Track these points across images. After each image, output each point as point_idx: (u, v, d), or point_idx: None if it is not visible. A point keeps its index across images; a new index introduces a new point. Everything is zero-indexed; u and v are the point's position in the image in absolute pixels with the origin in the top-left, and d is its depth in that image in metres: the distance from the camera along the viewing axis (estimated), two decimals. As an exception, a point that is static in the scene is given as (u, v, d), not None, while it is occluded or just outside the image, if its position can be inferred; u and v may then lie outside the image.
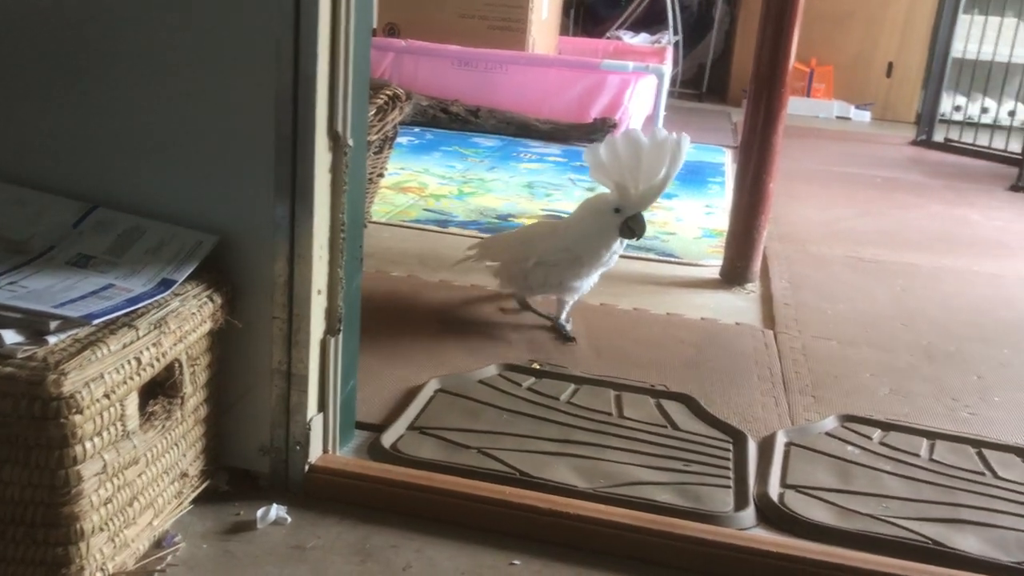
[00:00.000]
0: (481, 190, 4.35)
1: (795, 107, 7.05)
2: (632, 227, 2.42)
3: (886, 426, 2.24)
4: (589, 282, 2.60)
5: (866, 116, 8.28)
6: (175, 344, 1.54)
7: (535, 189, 4.43)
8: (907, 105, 8.35)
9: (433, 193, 4.22)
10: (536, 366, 2.41)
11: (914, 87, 8.20)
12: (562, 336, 2.61)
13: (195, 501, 1.72)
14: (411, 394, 2.20)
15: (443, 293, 2.94)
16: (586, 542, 1.70)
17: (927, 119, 7.14)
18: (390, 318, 2.68)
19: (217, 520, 1.70)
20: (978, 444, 2.19)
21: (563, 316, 2.65)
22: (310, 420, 1.79)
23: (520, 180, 4.59)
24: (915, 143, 7.12)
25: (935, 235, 4.29)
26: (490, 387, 2.27)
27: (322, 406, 1.83)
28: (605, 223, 2.44)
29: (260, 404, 1.78)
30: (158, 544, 1.61)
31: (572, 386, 2.29)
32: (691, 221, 4.03)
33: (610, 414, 2.17)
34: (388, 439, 1.97)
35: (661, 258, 3.47)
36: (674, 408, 2.22)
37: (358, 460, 1.89)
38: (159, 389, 1.59)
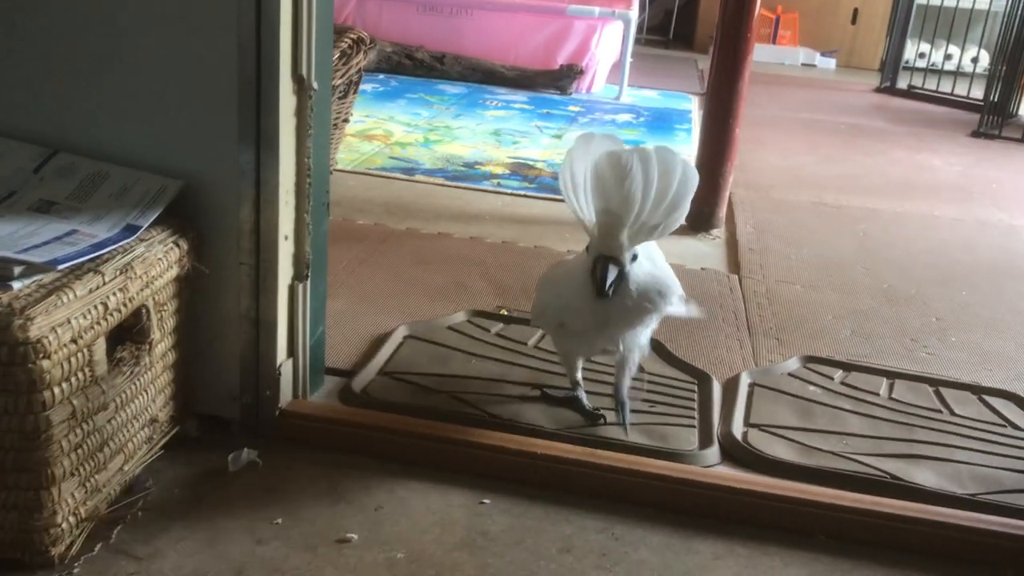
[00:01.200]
0: (447, 138, 4.32)
1: (761, 54, 7.06)
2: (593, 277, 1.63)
3: (847, 366, 2.29)
4: (625, 342, 1.80)
5: (831, 63, 8.30)
6: (141, 290, 1.53)
7: (502, 136, 4.42)
8: (872, 52, 8.38)
9: (399, 141, 4.19)
10: (504, 312, 2.42)
11: (879, 34, 8.22)
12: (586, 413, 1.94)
13: (166, 447, 1.72)
14: (380, 340, 2.20)
15: (410, 241, 2.94)
16: (555, 481, 1.73)
17: (891, 66, 7.18)
18: (358, 266, 2.67)
19: (188, 466, 1.71)
20: (935, 383, 2.25)
21: (622, 386, 1.93)
22: (279, 366, 1.80)
23: (487, 128, 4.57)
24: (879, 90, 7.17)
25: (897, 181, 4.34)
26: (459, 333, 2.28)
27: (291, 352, 1.84)
28: (579, 268, 1.69)
29: (229, 350, 1.78)
30: (129, 490, 1.62)
31: (539, 332, 2.31)
32: (657, 168, 4.04)
33: (577, 358, 2.19)
34: (358, 384, 1.98)
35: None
36: (653, 357, 2.25)
37: (329, 404, 1.90)
38: (127, 335, 1.58)
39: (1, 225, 1.52)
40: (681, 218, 1.63)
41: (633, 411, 1.93)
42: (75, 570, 1.42)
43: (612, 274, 1.59)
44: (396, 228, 3.05)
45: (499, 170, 3.85)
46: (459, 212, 3.31)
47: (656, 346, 2.28)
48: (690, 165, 1.62)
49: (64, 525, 1.43)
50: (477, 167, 3.87)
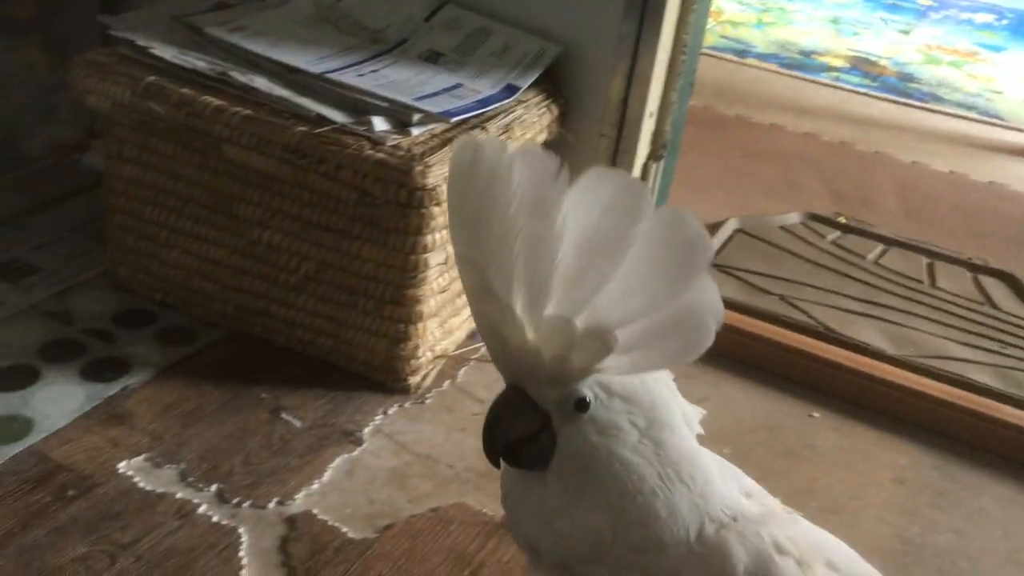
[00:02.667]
0: (782, 21, 4.07)
1: None
2: None
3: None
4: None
5: None
6: (515, 150, 1.57)
7: (841, 25, 4.10)
8: None
9: (730, 19, 4.00)
10: (842, 219, 2.29)
11: None
12: None
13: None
14: (710, 230, 2.15)
15: (740, 130, 2.83)
16: (890, 408, 1.64)
17: None
18: (686, 150, 2.61)
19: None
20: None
21: None
22: (621, 242, 1.80)
23: (825, 14, 4.25)
24: None
25: None
26: (792, 234, 2.19)
27: (634, 230, 1.84)
28: None
29: (576, 219, 1.81)
30: (472, 335, 1.71)
31: (880, 246, 2.17)
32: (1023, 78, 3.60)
33: (921, 282, 2.04)
34: (689, 271, 1.96)
35: (984, 118, 3.14)
36: (994, 286, 2.06)
37: (660, 287, 1.90)
38: (493, 192, 1.64)
39: (397, 70, 1.59)
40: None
41: (981, 348, 1.79)
42: (427, 400, 1.54)
43: (515, 428, 0.79)
44: (725, 113, 2.93)
45: (838, 63, 3.58)
46: (792, 103, 3.13)
47: (1012, 282, 2.08)
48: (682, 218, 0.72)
49: (423, 359, 1.55)
50: (814, 57, 3.63)
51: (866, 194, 2.45)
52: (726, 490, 0.82)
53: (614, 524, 0.78)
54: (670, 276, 0.71)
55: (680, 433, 0.80)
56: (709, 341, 0.72)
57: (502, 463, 0.81)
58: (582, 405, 0.76)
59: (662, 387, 0.80)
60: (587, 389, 0.76)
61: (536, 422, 0.77)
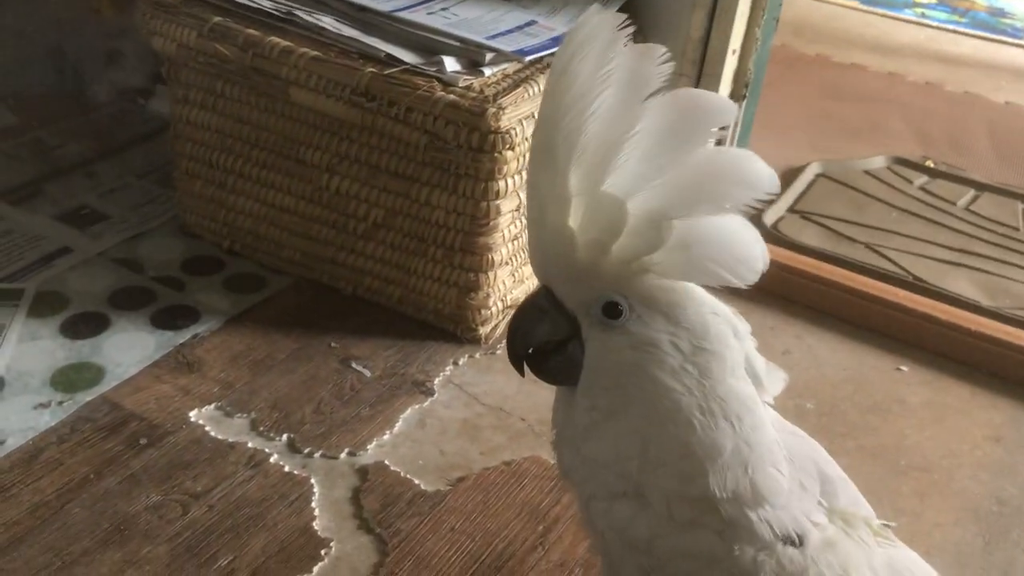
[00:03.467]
0: (862, -44, 3.87)
1: None
2: None
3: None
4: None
5: None
6: (590, 91, 1.50)
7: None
8: None
9: (808, -45, 3.82)
10: (930, 164, 2.17)
11: None
12: None
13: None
14: (791, 175, 2.06)
15: (820, 70, 2.70)
16: (984, 362, 1.56)
17: None
18: (764, 89, 2.50)
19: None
20: None
21: None
22: (698, 187, 1.73)
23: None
24: None
25: None
26: (877, 179, 2.08)
27: (712, 174, 1.76)
28: None
29: (651, 163, 1.74)
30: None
31: (971, 191, 2.05)
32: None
33: (1016, 228, 1.93)
34: (769, 218, 1.88)
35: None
36: (1095, 233, 1.94)
37: (738, 235, 1.82)
38: (566, 135, 1.58)
39: (467, 8, 1.53)
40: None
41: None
42: (498, 351, 1.50)
43: (539, 330, 0.75)
44: (804, 52, 2.80)
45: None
46: (875, 42, 2.98)
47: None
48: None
49: (493, 308, 1.50)
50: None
51: (955, 137, 2.32)
52: (794, 498, 0.72)
53: (642, 453, 0.71)
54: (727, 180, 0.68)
55: (737, 374, 0.71)
56: (758, 262, 0.69)
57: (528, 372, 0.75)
58: (612, 311, 0.70)
59: (723, 324, 0.72)
60: (620, 296, 0.69)
61: (563, 327, 0.72)
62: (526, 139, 1.35)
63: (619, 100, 0.67)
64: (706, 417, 0.70)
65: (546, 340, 0.73)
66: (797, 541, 0.72)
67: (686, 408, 0.70)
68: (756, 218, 1.86)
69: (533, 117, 1.35)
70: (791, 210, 1.92)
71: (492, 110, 1.29)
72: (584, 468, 0.75)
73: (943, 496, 1.32)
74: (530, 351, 0.75)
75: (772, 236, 1.81)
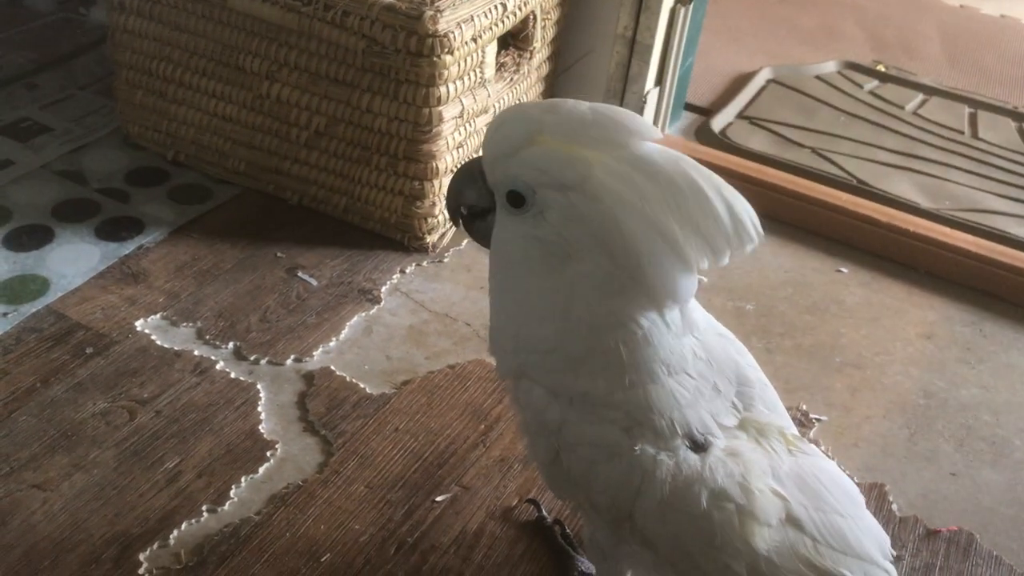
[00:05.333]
0: None
1: None
2: None
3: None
4: None
5: None
6: (533, -5, 1.49)
7: None
8: None
9: None
10: (881, 68, 2.18)
11: None
12: None
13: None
14: (741, 81, 2.07)
15: (778, -27, 2.67)
16: (923, 263, 1.60)
17: None
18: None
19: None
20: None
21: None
22: (646, 94, 1.73)
23: None
24: None
25: None
26: (827, 84, 2.09)
27: (659, 80, 1.76)
28: None
29: (598, 69, 1.73)
30: (492, 193, 1.67)
31: (920, 96, 2.07)
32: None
33: (962, 132, 1.95)
34: (717, 124, 1.88)
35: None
36: (1039, 136, 1.97)
37: (686, 142, 1.83)
38: (511, 41, 1.57)
39: (407, -91, 1.49)
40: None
41: (1023, 201, 1.72)
42: (445, 259, 1.52)
43: (467, 193, 0.80)
44: (762, -44, 2.77)
45: None
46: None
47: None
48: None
49: (440, 217, 1.51)
50: None
51: (908, 41, 2.32)
52: (703, 399, 0.77)
53: (515, 337, 0.78)
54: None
55: (630, 294, 0.73)
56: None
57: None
58: (516, 200, 0.74)
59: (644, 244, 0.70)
60: (529, 189, 0.73)
61: (485, 199, 0.78)
62: (465, 43, 1.34)
63: None
64: (570, 323, 0.75)
65: (472, 205, 0.80)
66: (702, 442, 0.76)
67: (552, 307, 0.75)
68: (704, 126, 1.88)
69: (472, 20, 1.34)
70: (740, 116, 1.93)
71: (430, 13, 1.28)
72: (491, 336, 0.83)
73: (874, 391, 1.37)
74: (463, 211, 0.81)
75: (720, 142, 1.83)
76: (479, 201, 0.79)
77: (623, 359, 0.75)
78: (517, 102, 1.59)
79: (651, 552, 0.81)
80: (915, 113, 2.00)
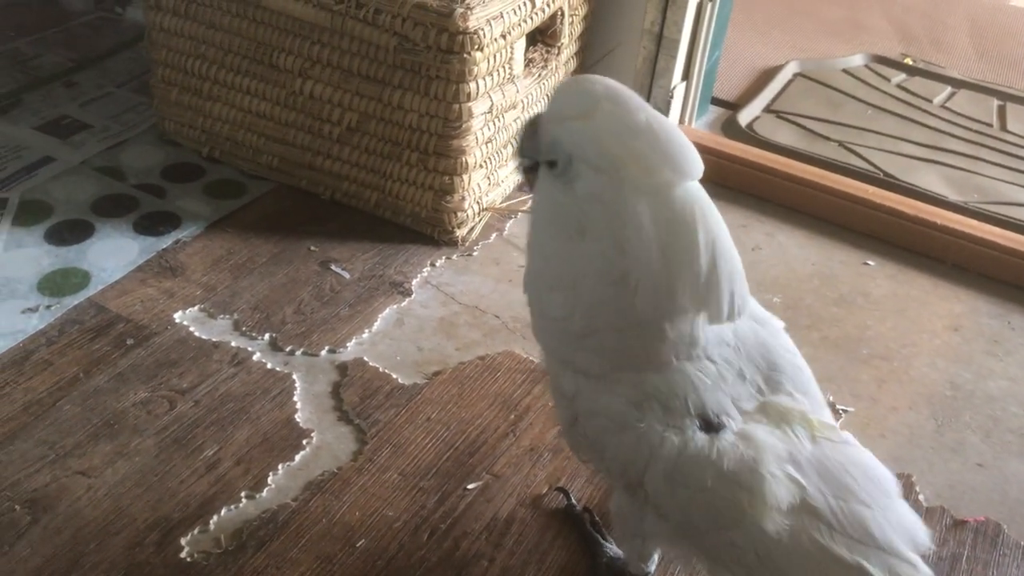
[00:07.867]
0: None
1: None
2: None
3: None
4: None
5: None
6: (561, -9, 1.51)
7: None
8: None
9: None
10: (909, 61, 2.18)
11: None
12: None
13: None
14: (768, 75, 2.07)
15: (805, -34, 2.67)
16: (949, 256, 1.60)
17: None
18: (746, -11, 2.48)
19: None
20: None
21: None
22: (673, 88, 1.74)
23: None
24: None
25: None
26: (854, 78, 2.09)
27: (686, 75, 1.77)
28: None
29: (626, 64, 1.75)
30: (520, 188, 1.69)
31: (948, 89, 2.06)
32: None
33: (990, 125, 1.95)
34: (744, 118, 1.89)
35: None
36: (1068, 128, 1.96)
37: (713, 135, 1.84)
38: (539, 37, 1.58)
39: (436, -92, 1.52)
40: None
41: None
42: (474, 252, 1.54)
43: (525, 145, 0.84)
44: (789, -50, 2.76)
45: None
46: (861, -61, 2.93)
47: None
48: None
49: (469, 211, 1.54)
50: None
51: (936, 34, 2.32)
52: (724, 383, 0.80)
53: (536, 300, 0.83)
54: None
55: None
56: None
57: None
58: (551, 162, 0.78)
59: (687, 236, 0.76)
60: (565, 154, 0.76)
61: (536, 152, 0.81)
62: (495, 40, 1.36)
63: None
64: (577, 297, 0.78)
65: (527, 156, 0.83)
66: (715, 423, 0.78)
67: (564, 276, 0.79)
68: (731, 119, 1.89)
69: (501, 17, 1.36)
70: (767, 110, 1.94)
71: (460, 10, 1.30)
72: (527, 296, 0.86)
73: (900, 383, 1.38)
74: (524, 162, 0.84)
75: (747, 136, 1.84)
76: (530, 154, 0.82)
77: (620, 344, 0.79)
78: (546, 98, 1.61)
79: (667, 524, 0.84)
80: (943, 106, 2.00)
